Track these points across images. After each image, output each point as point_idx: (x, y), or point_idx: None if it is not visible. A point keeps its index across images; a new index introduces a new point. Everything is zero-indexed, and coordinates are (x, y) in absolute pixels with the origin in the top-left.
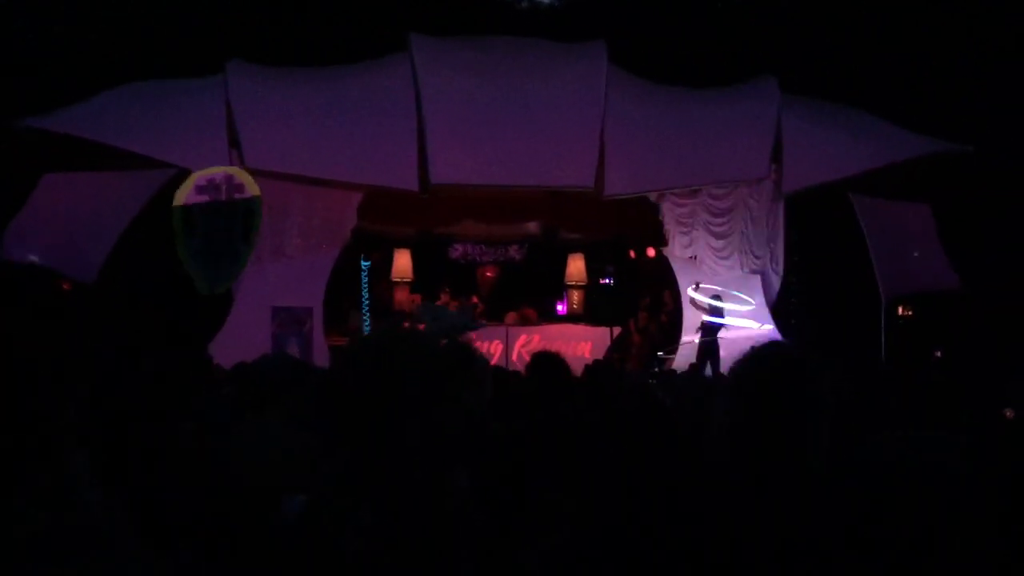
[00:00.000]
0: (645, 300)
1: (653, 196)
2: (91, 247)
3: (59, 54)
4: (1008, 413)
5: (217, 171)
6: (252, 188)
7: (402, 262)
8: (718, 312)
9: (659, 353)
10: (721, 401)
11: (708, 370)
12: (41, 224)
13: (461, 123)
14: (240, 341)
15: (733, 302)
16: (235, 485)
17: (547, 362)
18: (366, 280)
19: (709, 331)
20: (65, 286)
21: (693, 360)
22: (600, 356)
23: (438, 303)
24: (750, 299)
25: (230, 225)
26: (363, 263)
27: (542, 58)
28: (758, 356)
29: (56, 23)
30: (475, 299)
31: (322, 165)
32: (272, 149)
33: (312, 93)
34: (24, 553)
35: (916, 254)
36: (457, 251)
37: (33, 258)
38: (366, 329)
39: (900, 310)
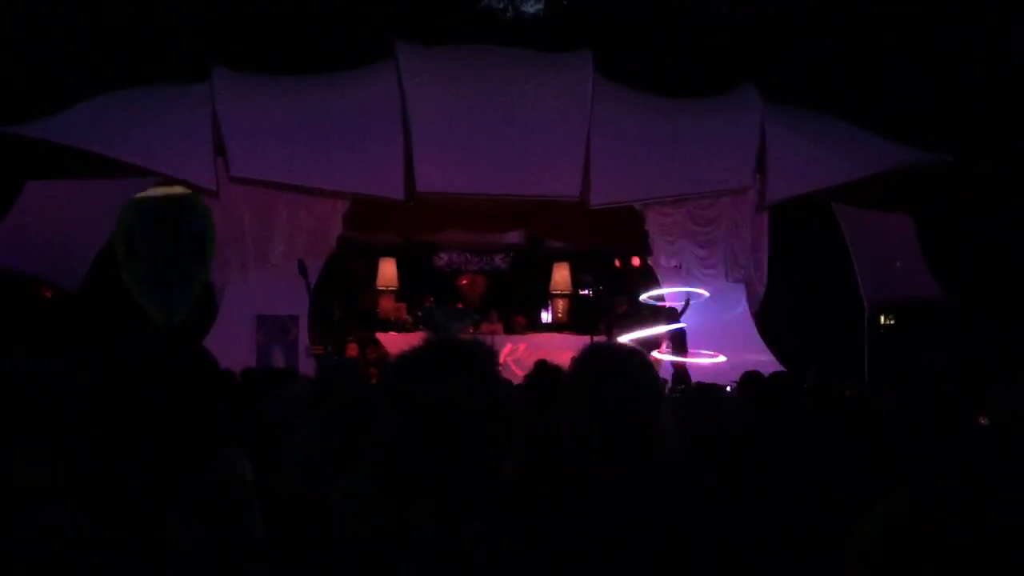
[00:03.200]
0: (622, 308)
1: (638, 205)
2: (74, 255)
3: (44, 61)
4: (981, 420)
5: (160, 191)
6: (201, 211)
7: (387, 270)
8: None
9: None
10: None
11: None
12: (24, 232)
13: (447, 132)
14: (225, 349)
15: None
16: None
17: (548, 372)
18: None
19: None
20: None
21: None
22: None
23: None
24: (702, 291)
25: (179, 249)
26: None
27: (528, 67)
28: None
29: (40, 30)
30: (460, 305)
31: (308, 174)
32: (258, 157)
33: (298, 101)
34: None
35: (898, 263)
36: (442, 259)
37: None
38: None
39: (883, 319)
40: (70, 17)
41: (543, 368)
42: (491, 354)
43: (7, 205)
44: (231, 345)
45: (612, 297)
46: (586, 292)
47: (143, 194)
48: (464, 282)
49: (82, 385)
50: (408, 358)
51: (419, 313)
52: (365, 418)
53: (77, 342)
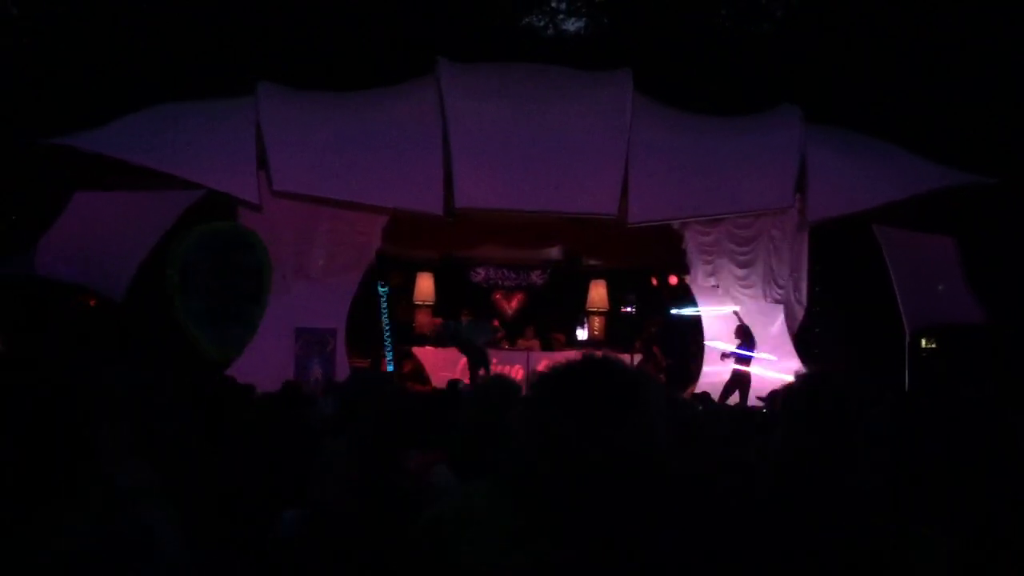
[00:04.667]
0: (654, 327)
1: (676, 224)
2: (119, 265)
3: (93, 74)
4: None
5: (221, 226)
6: (259, 246)
7: (425, 285)
8: (749, 342)
9: None
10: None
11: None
12: (71, 241)
13: (486, 148)
14: (263, 362)
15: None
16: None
17: None
18: (385, 304)
19: (741, 360)
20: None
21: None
22: None
23: None
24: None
25: (234, 285)
26: (380, 288)
27: (568, 85)
28: (814, 385)
29: (90, 45)
30: (496, 323)
31: (348, 188)
32: (299, 172)
33: (340, 117)
34: (69, 562)
35: (940, 286)
36: (479, 275)
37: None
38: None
39: (924, 342)
40: (119, 32)
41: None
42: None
43: (55, 214)
44: (270, 357)
45: (645, 316)
46: (629, 310)
47: (201, 226)
48: (498, 296)
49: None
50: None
51: (439, 328)
52: (404, 433)
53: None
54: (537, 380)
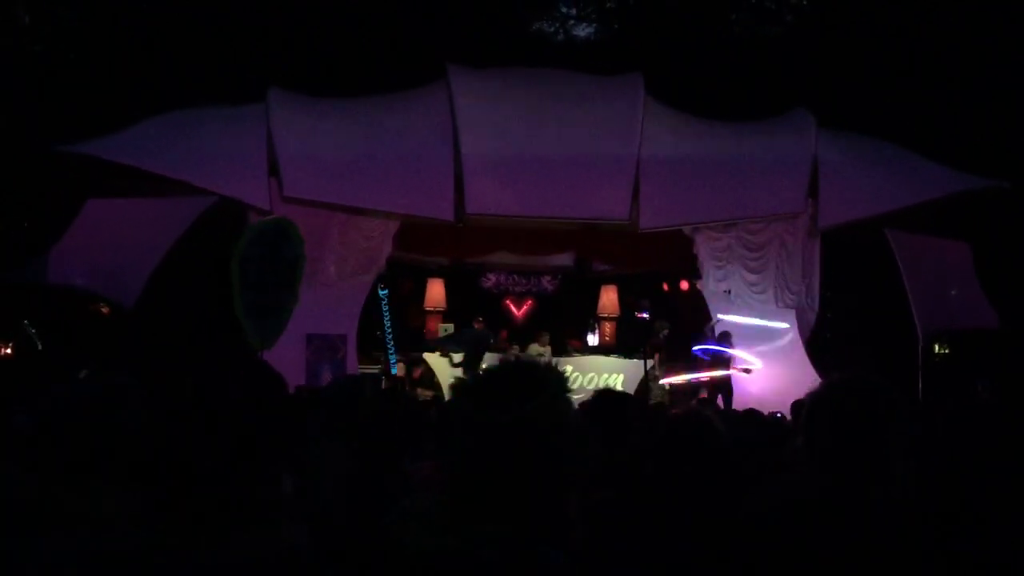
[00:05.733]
0: (663, 332)
1: (687, 230)
2: (131, 272)
3: (103, 82)
4: None
5: (268, 221)
6: (296, 237)
7: (435, 291)
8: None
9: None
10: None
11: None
12: (84, 248)
13: (497, 154)
14: (274, 368)
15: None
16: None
17: (611, 400)
18: (386, 308)
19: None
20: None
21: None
22: (633, 388)
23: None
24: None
25: (277, 276)
26: (380, 291)
27: (579, 90)
28: (840, 388)
29: (100, 52)
30: (504, 334)
31: (359, 194)
32: (311, 178)
33: (350, 123)
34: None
35: (954, 291)
36: (490, 281)
37: (75, 281)
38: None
39: (937, 348)
40: (130, 39)
41: (607, 396)
42: (564, 378)
43: (67, 222)
44: (281, 363)
45: (654, 321)
46: (643, 316)
47: (260, 220)
48: (509, 302)
49: (151, 404)
50: (481, 380)
51: (430, 342)
52: (398, 434)
53: (139, 359)
54: (467, 380)
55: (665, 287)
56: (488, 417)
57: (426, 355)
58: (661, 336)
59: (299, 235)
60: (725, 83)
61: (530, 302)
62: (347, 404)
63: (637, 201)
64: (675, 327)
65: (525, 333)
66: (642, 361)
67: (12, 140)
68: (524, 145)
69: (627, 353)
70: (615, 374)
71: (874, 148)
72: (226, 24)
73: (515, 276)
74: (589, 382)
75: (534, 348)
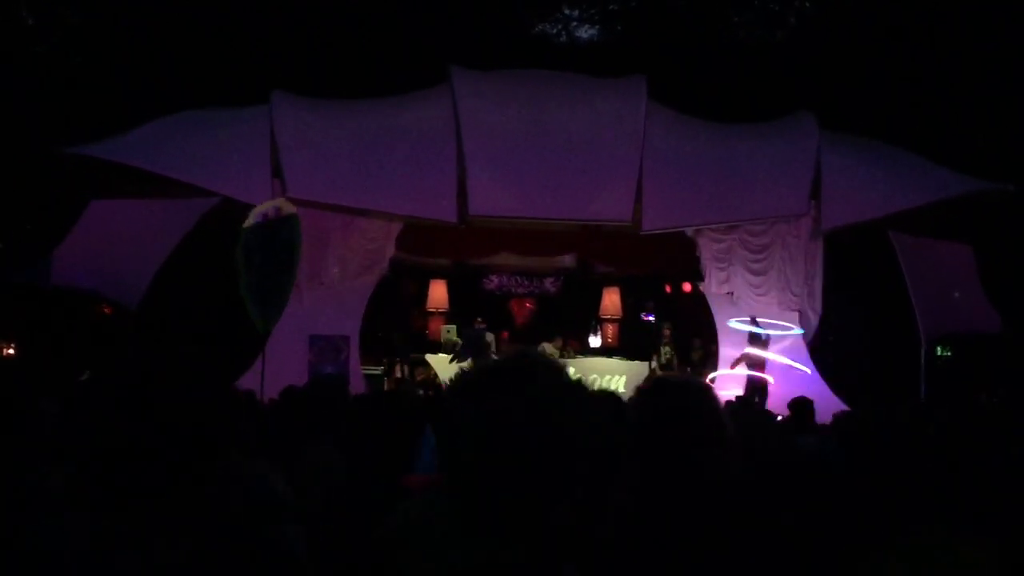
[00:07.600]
0: (667, 334)
1: (690, 231)
2: (135, 273)
3: (107, 83)
4: None
5: (269, 205)
6: (292, 219)
7: (438, 292)
8: (759, 343)
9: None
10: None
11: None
12: (88, 249)
13: (500, 156)
14: (277, 369)
15: (774, 330)
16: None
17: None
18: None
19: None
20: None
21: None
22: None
23: None
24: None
25: (275, 255)
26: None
27: (582, 92)
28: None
29: (104, 53)
30: (505, 335)
31: (362, 196)
32: (314, 179)
33: (354, 125)
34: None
35: (957, 294)
36: (492, 282)
37: (78, 282)
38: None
39: (939, 351)
40: (133, 41)
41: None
42: (556, 366)
43: (71, 223)
44: (284, 364)
45: (659, 322)
46: (649, 318)
47: (258, 207)
48: (512, 304)
49: (95, 395)
50: (485, 368)
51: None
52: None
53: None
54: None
55: (668, 289)
56: (493, 402)
57: (428, 357)
58: (665, 337)
59: (296, 216)
60: (728, 85)
61: (532, 303)
62: (329, 402)
63: (640, 203)
64: (677, 329)
65: (527, 334)
66: (645, 362)
67: (16, 141)
68: (527, 147)
69: (630, 355)
70: (617, 376)
71: (877, 150)
72: (230, 26)
73: (517, 277)
74: (591, 384)
75: (547, 347)
